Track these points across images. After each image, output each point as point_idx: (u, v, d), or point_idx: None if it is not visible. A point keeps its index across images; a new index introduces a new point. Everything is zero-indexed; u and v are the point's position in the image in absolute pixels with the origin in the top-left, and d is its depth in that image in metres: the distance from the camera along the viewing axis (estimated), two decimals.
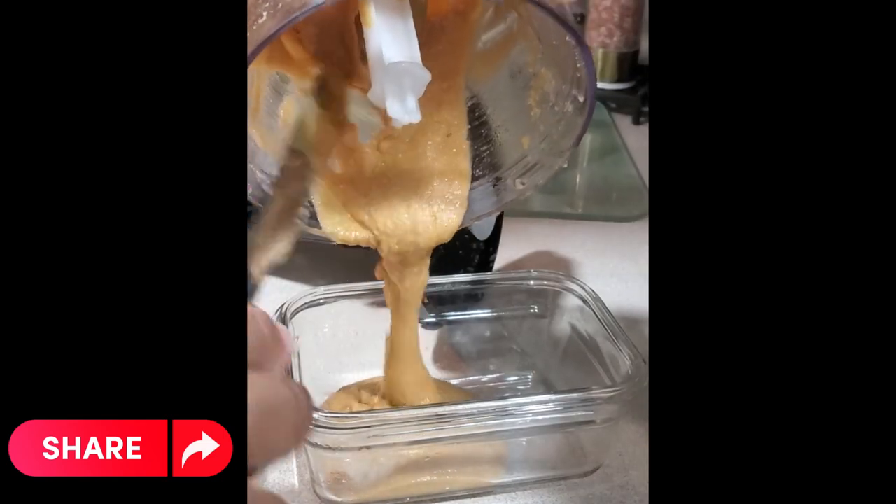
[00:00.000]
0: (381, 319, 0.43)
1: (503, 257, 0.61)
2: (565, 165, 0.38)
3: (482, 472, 0.43)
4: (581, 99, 0.34)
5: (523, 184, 0.40)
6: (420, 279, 0.41)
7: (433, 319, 0.51)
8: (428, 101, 0.34)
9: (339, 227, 0.39)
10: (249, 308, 0.24)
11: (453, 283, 0.50)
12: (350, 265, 0.63)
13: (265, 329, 0.25)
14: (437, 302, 0.51)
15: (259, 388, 0.22)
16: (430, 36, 0.36)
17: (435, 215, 0.39)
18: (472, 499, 0.42)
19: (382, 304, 0.44)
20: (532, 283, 0.51)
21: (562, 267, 0.65)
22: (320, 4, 0.27)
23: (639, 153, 0.85)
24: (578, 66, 0.33)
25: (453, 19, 0.37)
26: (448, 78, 0.38)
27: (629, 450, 0.45)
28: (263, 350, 0.25)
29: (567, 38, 0.32)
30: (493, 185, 0.41)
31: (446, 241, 0.40)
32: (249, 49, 0.28)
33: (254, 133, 0.36)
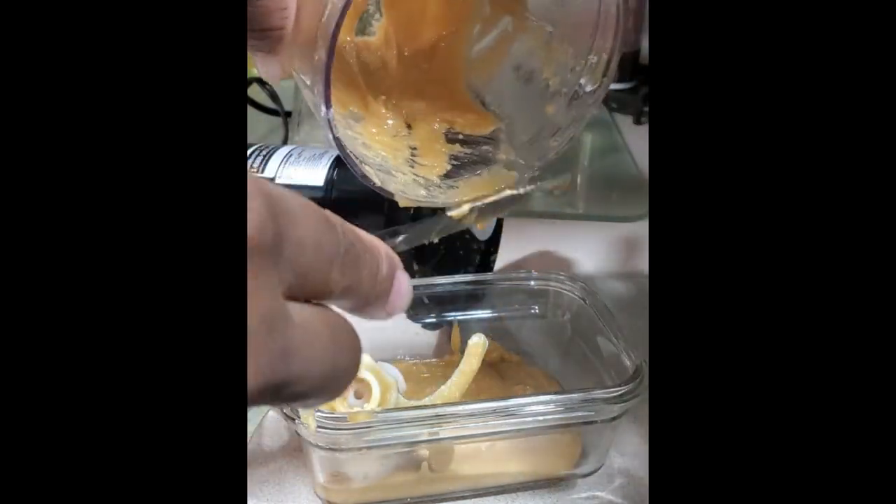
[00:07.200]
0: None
1: (504, 257, 0.61)
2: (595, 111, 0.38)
3: (555, 463, 0.43)
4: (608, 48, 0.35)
5: (556, 141, 0.40)
6: None
7: (433, 320, 0.51)
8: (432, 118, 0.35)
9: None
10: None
11: (454, 284, 0.50)
12: None
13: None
14: (438, 302, 0.51)
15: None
16: (422, 58, 0.36)
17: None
18: (473, 499, 0.42)
19: None
20: (532, 283, 0.51)
21: (562, 267, 0.65)
22: None
23: (639, 153, 0.85)
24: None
25: (443, 40, 0.37)
26: (446, 92, 0.38)
27: (629, 450, 0.45)
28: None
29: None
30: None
31: None
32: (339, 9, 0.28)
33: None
